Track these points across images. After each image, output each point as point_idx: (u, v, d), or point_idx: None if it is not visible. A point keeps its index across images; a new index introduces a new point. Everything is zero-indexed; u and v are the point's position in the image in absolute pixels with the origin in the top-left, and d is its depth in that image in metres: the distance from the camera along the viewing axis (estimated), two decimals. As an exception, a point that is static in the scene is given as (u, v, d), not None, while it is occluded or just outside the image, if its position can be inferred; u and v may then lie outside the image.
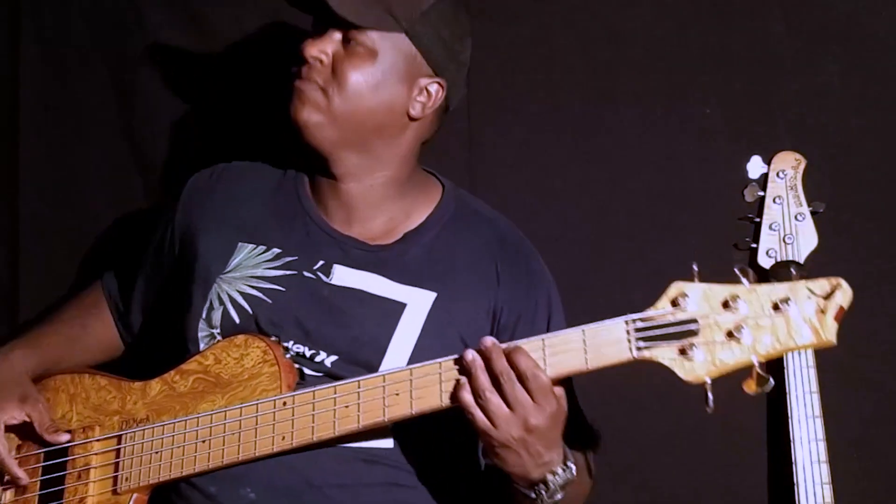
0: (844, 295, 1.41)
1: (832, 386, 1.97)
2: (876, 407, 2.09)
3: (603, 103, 2.24)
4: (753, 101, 2.16)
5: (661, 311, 1.48)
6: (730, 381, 1.47)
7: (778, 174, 2.01)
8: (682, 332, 1.46)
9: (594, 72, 2.24)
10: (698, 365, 1.45)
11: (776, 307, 1.42)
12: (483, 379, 1.51)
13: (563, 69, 2.25)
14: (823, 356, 1.95)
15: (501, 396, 1.50)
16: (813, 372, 1.94)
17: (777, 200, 2.01)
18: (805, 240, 1.99)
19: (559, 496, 1.58)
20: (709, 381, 1.44)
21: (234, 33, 2.39)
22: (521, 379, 1.50)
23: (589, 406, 1.82)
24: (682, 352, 1.45)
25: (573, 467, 1.58)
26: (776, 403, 1.98)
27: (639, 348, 1.48)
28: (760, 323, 1.43)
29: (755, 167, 2.02)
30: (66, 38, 2.47)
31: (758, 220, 2.02)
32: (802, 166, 2.01)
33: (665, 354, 1.46)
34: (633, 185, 2.22)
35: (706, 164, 2.18)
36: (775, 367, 1.94)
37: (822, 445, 1.92)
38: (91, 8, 2.46)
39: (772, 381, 1.42)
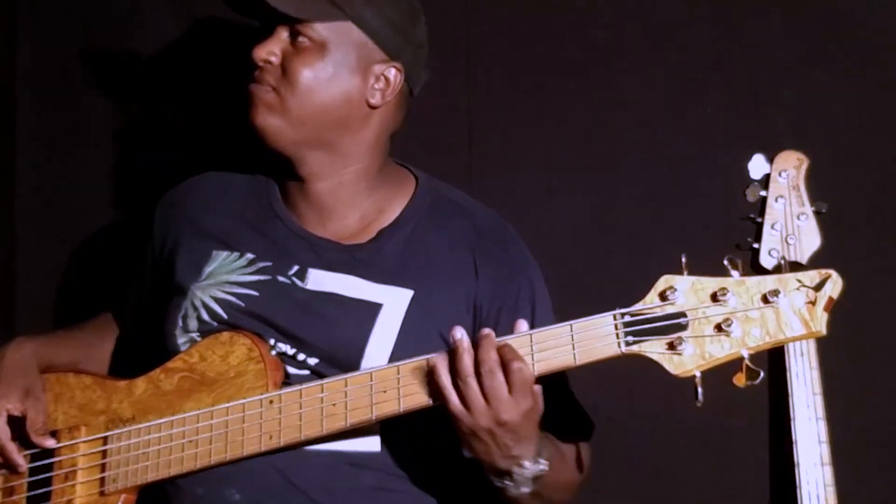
0: (835, 286, 1.39)
1: (835, 388, 1.96)
2: (879, 409, 2.08)
3: (603, 103, 2.23)
4: (755, 100, 2.15)
5: (649, 304, 1.46)
6: (730, 385, 1.45)
7: (780, 174, 2.00)
8: (671, 326, 1.44)
9: (594, 71, 2.24)
10: (687, 359, 1.43)
11: (765, 299, 1.41)
12: (468, 362, 1.48)
13: (563, 69, 2.24)
14: (826, 358, 1.94)
15: (479, 385, 1.48)
16: (816, 374, 1.93)
17: (779, 200, 1.99)
18: (808, 240, 1.99)
19: (526, 489, 1.54)
20: (698, 375, 1.43)
21: (234, 33, 2.38)
22: (506, 369, 1.47)
23: (589, 407, 1.80)
24: (671, 346, 1.43)
25: (544, 462, 1.54)
26: (779, 405, 1.97)
27: (627, 343, 1.46)
28: (750, 315, 1.41)
29: (757, 167, 2.01)
30: (66, 38, 2.47)
31: (760, 220, 2.01)
32: (805, 166, 2.00)
33: (653, 349, 1.45)
34: (633, 184, 2.21)
35: (708, 163, 2.17)
36: (778, 369, 1.94)
37: (825, 448, 1.91)
38: (91, 8, 2.46)
39: (762, 373, 1.41)
